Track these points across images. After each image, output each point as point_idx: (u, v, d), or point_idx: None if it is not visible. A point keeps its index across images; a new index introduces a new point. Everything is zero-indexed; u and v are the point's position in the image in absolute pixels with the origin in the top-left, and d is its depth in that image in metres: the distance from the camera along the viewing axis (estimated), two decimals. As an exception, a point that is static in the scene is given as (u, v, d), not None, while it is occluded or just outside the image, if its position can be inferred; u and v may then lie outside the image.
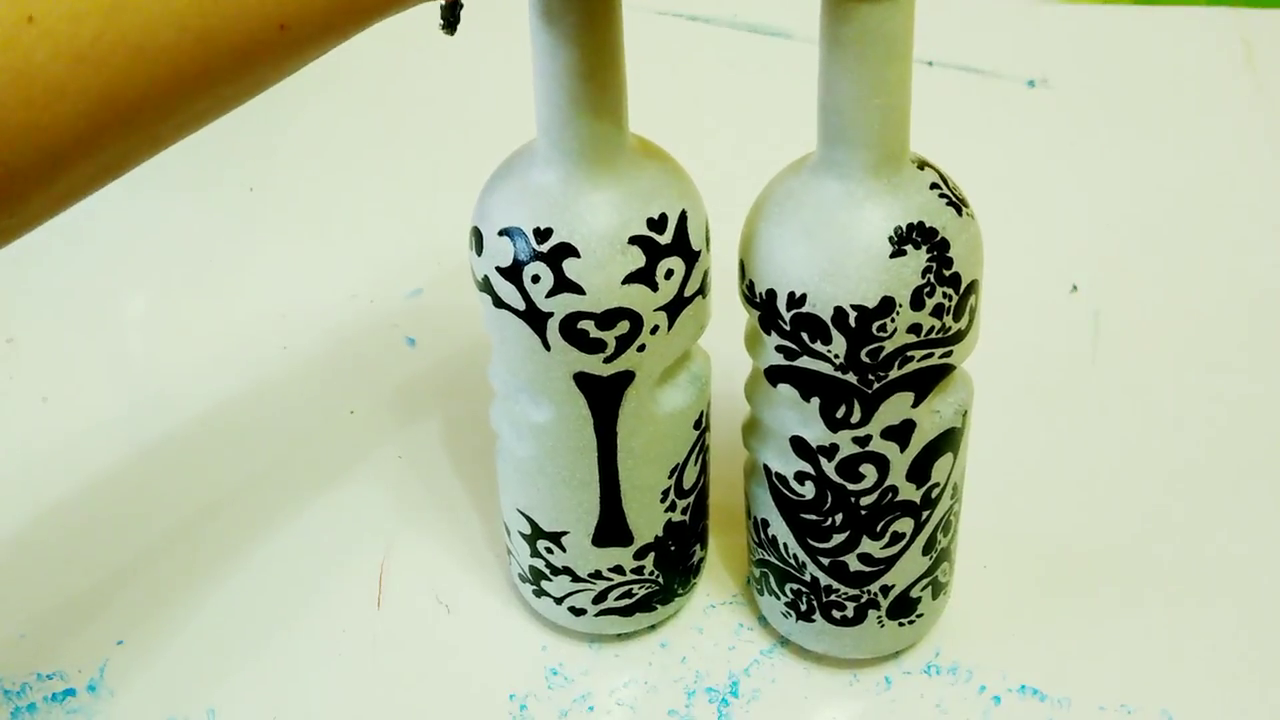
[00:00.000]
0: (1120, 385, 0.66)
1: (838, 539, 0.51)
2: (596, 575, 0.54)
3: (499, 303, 0.48)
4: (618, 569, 0.54)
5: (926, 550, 0.52)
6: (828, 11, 0.42)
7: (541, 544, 0.54)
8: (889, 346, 0.46)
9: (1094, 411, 0.65)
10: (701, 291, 0.49)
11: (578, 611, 0.55)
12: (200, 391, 0.67)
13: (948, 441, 0.49)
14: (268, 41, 0.36)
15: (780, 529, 0.52)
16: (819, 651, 0.55)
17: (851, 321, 0.45)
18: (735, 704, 0.55)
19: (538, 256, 0.46)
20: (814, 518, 0.50)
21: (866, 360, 0.46)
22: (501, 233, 0.47)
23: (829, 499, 0.50)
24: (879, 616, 0.53)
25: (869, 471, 0.49)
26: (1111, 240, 0.74)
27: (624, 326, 0.47)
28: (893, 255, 0.45)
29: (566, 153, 0.46)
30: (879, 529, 0.50)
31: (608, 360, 0.48)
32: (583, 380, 0.48)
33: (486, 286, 0.48)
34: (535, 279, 0.46)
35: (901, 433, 0.48)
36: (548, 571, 0.55)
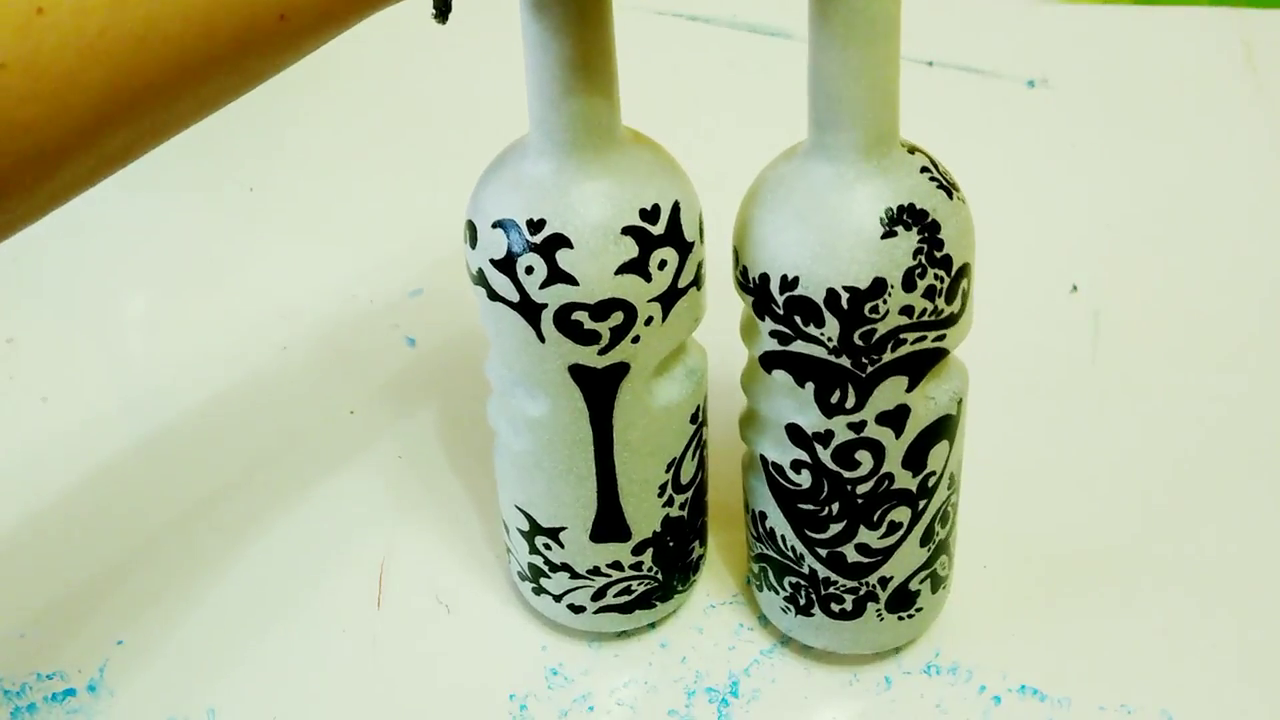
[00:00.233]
0: (1120, 385, 0.66)
1: (835, 529, 0.51)
2: (595, 572, 0.54)
3: (493, 295, 0.48)
4: (616, 565, 0.54)
5: (924, 541, 0.52)
6: None
7: (540, 540, 0.54)
8: (881, 329, 0.46)
9: (1094, 411, 0.65)
10: (696, 283, 0.49)
11: (577, 609, 0.55)
12: (200, 391, 0.68)
13: (943, 429, 0.49)
14: (268, 31, 0.37)
15: (778, 520, 0.52)
16: (819, 647, 0.55)
17: (844, 303, 0.45)
18: (735, 704, 0.55)
19: (531, 248, 0.46)
20: (811, 507, 0.50)
21: (860, 343, 0.46)
22: (495, 225, 0.47)
23: (825, 487, 0.50)
24: (878, 609, 0.53)
25: (865, 458, 0.49)
26: (1111, 240, 0.74)
27: (618, 318, 0.47)
28: (884, 236, 0.45)
29: (559, 144, 0.46)
30: (876, 518, 0.50)
31: (602, 352, 0.48)
32: (578, 372, 0.48)
33: (481, 279, 0.48)
34: (529, 270, 0.46)
35: (896, 418, 0.48)
36: (546, 569, 0.55)
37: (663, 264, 0.47)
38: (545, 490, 0.52)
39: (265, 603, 0.59)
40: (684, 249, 0.48)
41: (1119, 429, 0.64)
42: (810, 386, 0.47)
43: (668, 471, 0.52)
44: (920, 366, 0.47)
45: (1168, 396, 0.66)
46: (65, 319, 0.72)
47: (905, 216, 0.45)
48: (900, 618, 0.54)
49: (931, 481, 0.50)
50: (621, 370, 0.48)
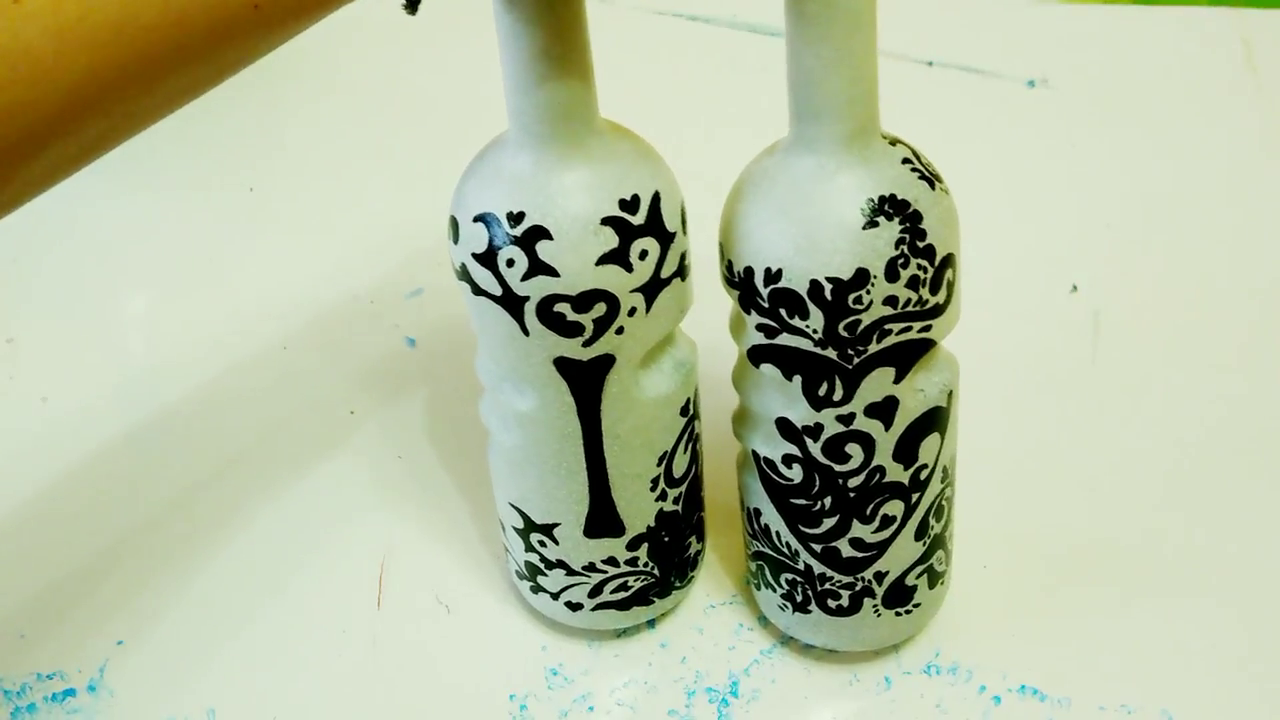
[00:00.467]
0: (1120, 385, 0.66)
1: (828, 523, 0.51)
2: (591, 568, 0.54)
3: (477, 290, 0.48)
4: (611, 560, 0.54)
5: (919, 535, 0.52)
6: None
7: (534, 537, 0.54)
8: (866, 319, 0.46)
9: (1094, 411, 0.65)
10: (680, 274, 0.49)
11: (574, 606, 0.55)
12: (200, 391, 0.68)
13: (934, 421, 0.49)
14: (241, 21, 0.37)
15: (772, 517, 0.52)
16: (818, 644, 0.55)
17: (827, 294, 0.45)
18: (735, 704, 0.55)
19: (511, 240, 0.46)
20: (803, 502, 0.51)
21: (845, 334, 0.46)
22: (476, 219, 0.47)
23: (817, 481, 0.50)
24: (875, 605, 0.53)
25: (855, 451, 0.49)
26: (1111, 240, 0.74)
27: (601, 309, 0.47)
28: (865, 227, 0.45)
29: (537, 136, 0.46)
30: (869, 512, 0.50)
31: (586, 344, 0.48)
32: (563, 365, 0.48)
33: (464, 274, 0.48)
34: (510, 263, 0.47)
35: (885, 410, 0.48)
36: (542, 566, 0.55)
37: (644, 254, 0.47)
38: (537, 486, 0.52)
39: (265, 603, 0.59)
40: (665, 239, 0.48)
41: (1119, 429, 0.64)
42: (798, 379, 0.48)
43: (659, 465, 0.52)
44: (907, 358, 0.47)
45: (1168, 396, 0.66)
46: (65, 319, 0.72)
47: (887, 207, 0.45)
48: (898, 613, 0.54)
49: (924, 474, 0.50)
50: (607, 362, 0.49)
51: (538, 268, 0.46)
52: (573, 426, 0.50)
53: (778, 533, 0.52)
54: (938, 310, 0.47)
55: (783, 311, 0.46)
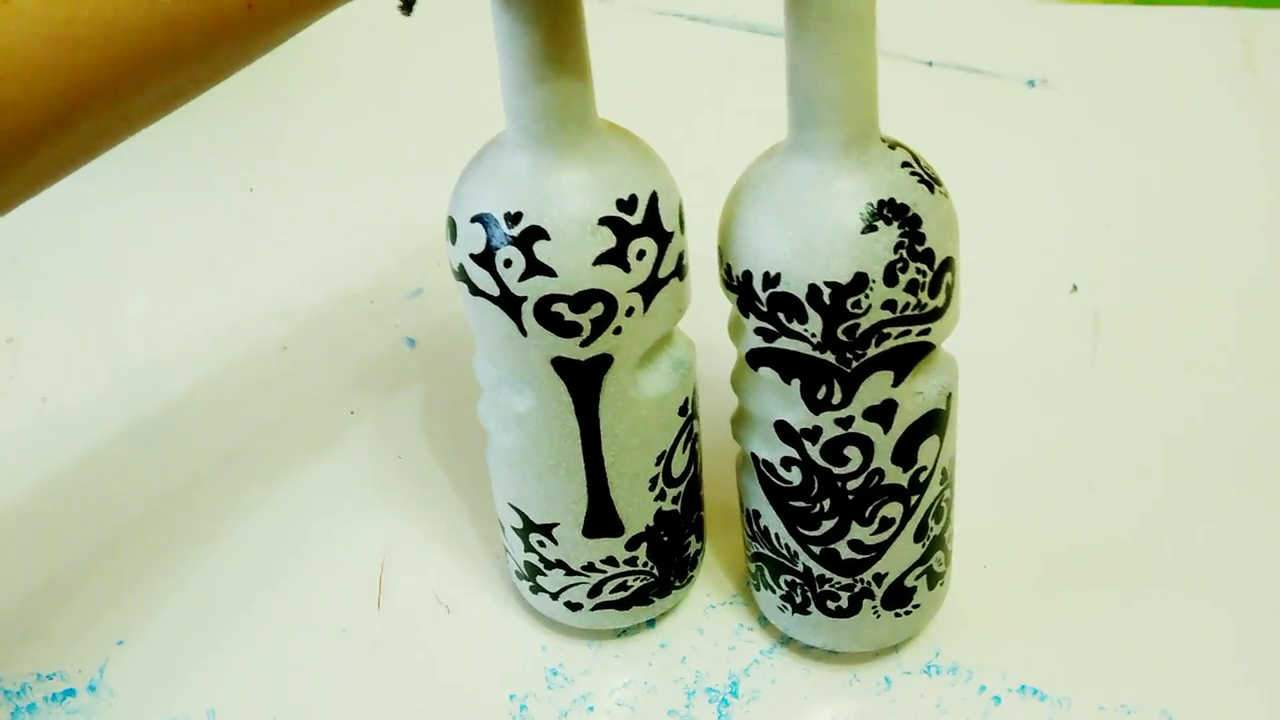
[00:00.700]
0: (1120, 385, 0.66)
1: (827, 525, 0.51)
2: (590, 568, 0.54)
3: (475, 290, 0.48)
4: (610, 560, 0.54)
5: (918, 537, 0.52)
6: None
7: (534, 537, 0.54)
8: (864, 323, 0.46)
9: (1094, 411, 0.65)
10: (678, 273, 0.49)
11: (574, 606, 0.55)
12: (200, 392, 0.68)
13: (933, 423, 0.49)
14: (235, 21, 0.37)
15: (771, 519, 0.52)
16: (817, 645, 0.55)
17: (826, 299, 0.45)
18: (735, 704, 0.55)
19: (509, 241, 0.46)
20: (802, 504, 0.51)
21: (843, 338, 0.46)
22: (474, 219, 0.47)
23: (815, 484, 0.50)
24: (874, 606, 0.53)
25: (853, 454, 0.49)
26: (1111, 240, 0.74)
27: (598, 309, 0.47)
28: (864, 231, 0.45)
29: (534, 137, 0.46)
30: (868, 514, 0.50)
31: (584, 344, 0.48)
32: (561, 365, 0.48)
33: (462, 275, 0.48)
34: (508, 263, 0.47)
35: (884, 413, 0.48)
36: (542, 566, 0.55)
37: (641, 254, 0.47)
38: (536, 486, 0.52)
39: (265, 603, 0.59)
40: (663, 239, 0.48)
41: (1119, 429, 0.64)
42: (796, 383, 0.47)
43: (658, 464, 0.52)
44: (906, 361, 0.47)
45: (1168, 396, 0.66)
46: (65, 319, 0.72)
47: (886, 211, 0.45)
48: (897, 614, 0.54)
49: (923, 477, 0.50)
50: (605, 362, 0.49)
51: (535, 268, 0.46)
52: (571, 426, 0.50)
53: (777, 534, 0.52)
54: (937, 314, 0.47)
55: (781, 315, 0.46)
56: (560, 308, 0.47)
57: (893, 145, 0.47)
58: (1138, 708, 0.54)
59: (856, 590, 0.53)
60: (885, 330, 0.46)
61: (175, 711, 0.55)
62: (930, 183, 0.47)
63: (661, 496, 0.53)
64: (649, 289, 0.48)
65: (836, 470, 0.49)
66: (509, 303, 0.47)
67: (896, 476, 0.50)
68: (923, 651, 0.56)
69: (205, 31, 0.37)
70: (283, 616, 0.59)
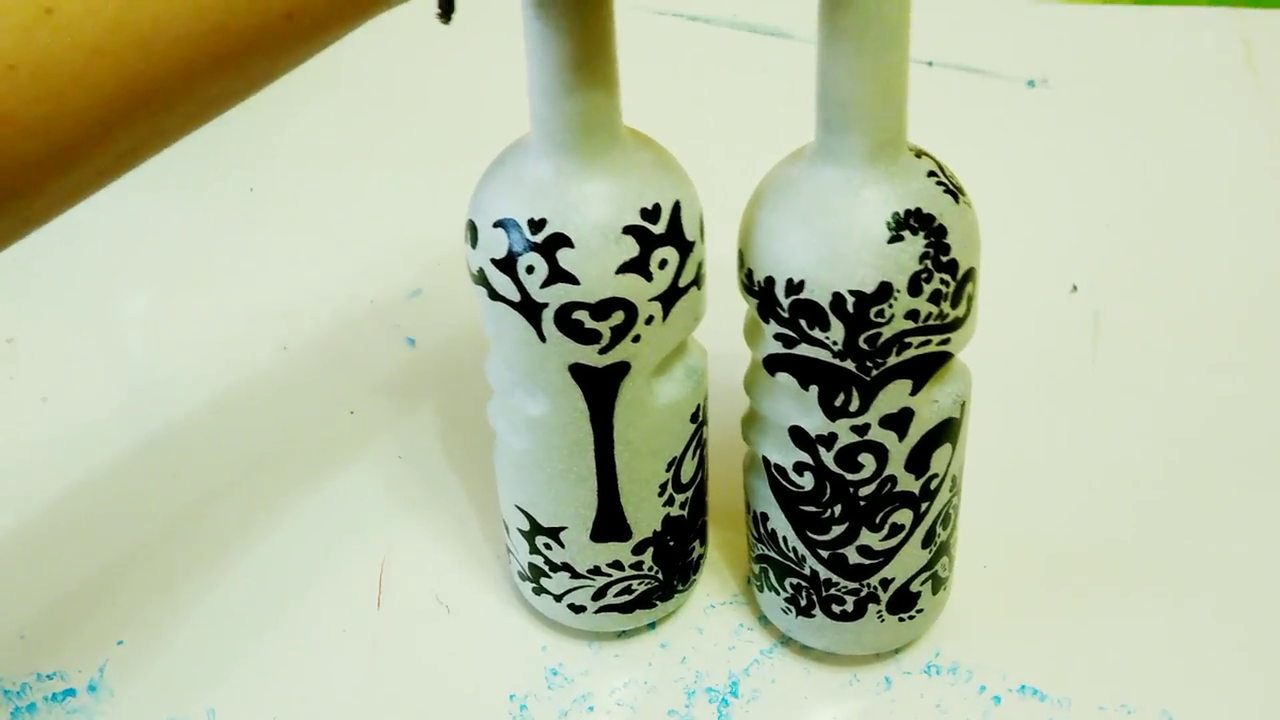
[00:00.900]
0: (1120, 385, 0.66)
1: (837, 531, 0.51)
2: (595, 571, 0.54)
3: (494, 295, 0.48)
4: (616, 564, 0.54)
5: (926, 543, 0.52)
6: None
7: (540, 540, 0.54)
8: (887, 333, 0.46)
9: (1094, 411, 0.65)
10: (696, 283, 0.49)
11: (577, 609, 0.55)
12: (200, 391, 0.68)
13: (946, 432, 0.49)
14: (275, 31, 0.37)
15: (779, 522, 0.52)
16: (819, 648, 0.55)
17: (849, 307, 0.45)
18: (735, 704, 0.55)
19: (532, 247, 0.46)
20: (813, 509, 0.50)
21: (864, 347, 0.46)
22: (496, 224, 0.47)
23: (828, 490, 0.50)
24: (879, 611, 0.53)
25: (868, 461, 0.49)
26: (1111, 240, 0.74)
27: (619, 317, 0.47)
28: (890, 241, 0.45)
29: (560, 144, 0.46)
30: (878, 520, 0.50)
31: (603, 351, 0.48)
32: (578, 372, 0.48)
33: (482, 279, 0.48)
34: (530, 270, 0.46)
35: (900, 421, 0.48)
36: (546, 568, 0.55)
37: (663, 263, 0.47)
38: (546, 490, 0.52)
39: (265, 603, 0.59)
40: (685, 248, 0.48)
41: (1119, 429, 0.64)
42: (814, 389, 0.47)
43: (668, 471, 0.52)
44: (925, 370, 0.47)
45: (1168, 396, 0.66)
46: (65, 319, 0.72)
47: (912, 221, 0.45)
48: (901, 619, 0.54)
49: (934, 484, 0.50)
50: (622, 369, 0.48)
51: (558, 275, 0.46)
52: (585, 432, 0.50)
53: (785, 538, 0.52)
54: (957, 324, 0.47)
55: (803, 322, 0.46)
56: (581, 315, 0.47)
57: (919, 154, 0.47)
58: (1138, 708, 0.54)
59: (862, 595, 0.53)
60: (907, 340, 0.46)
61: (175, 711, 0.55)
62: (955, 192, 0.46)
63: (670, 502, 0.53)
64: (669, 298, 0.48)
65: (850, 476, 0.49)
66: (529, 309, 0.47)
67: (908, 484, 0.50)
68: (923, 652, 0.56)
69: (245, 42, 0.37)
70: (283, 616, 0.59)
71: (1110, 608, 0.58)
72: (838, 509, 0.50)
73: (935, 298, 0.46)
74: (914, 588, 0.53)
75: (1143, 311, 0.70)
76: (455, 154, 0.81)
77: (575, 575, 0.54)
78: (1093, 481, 0.62)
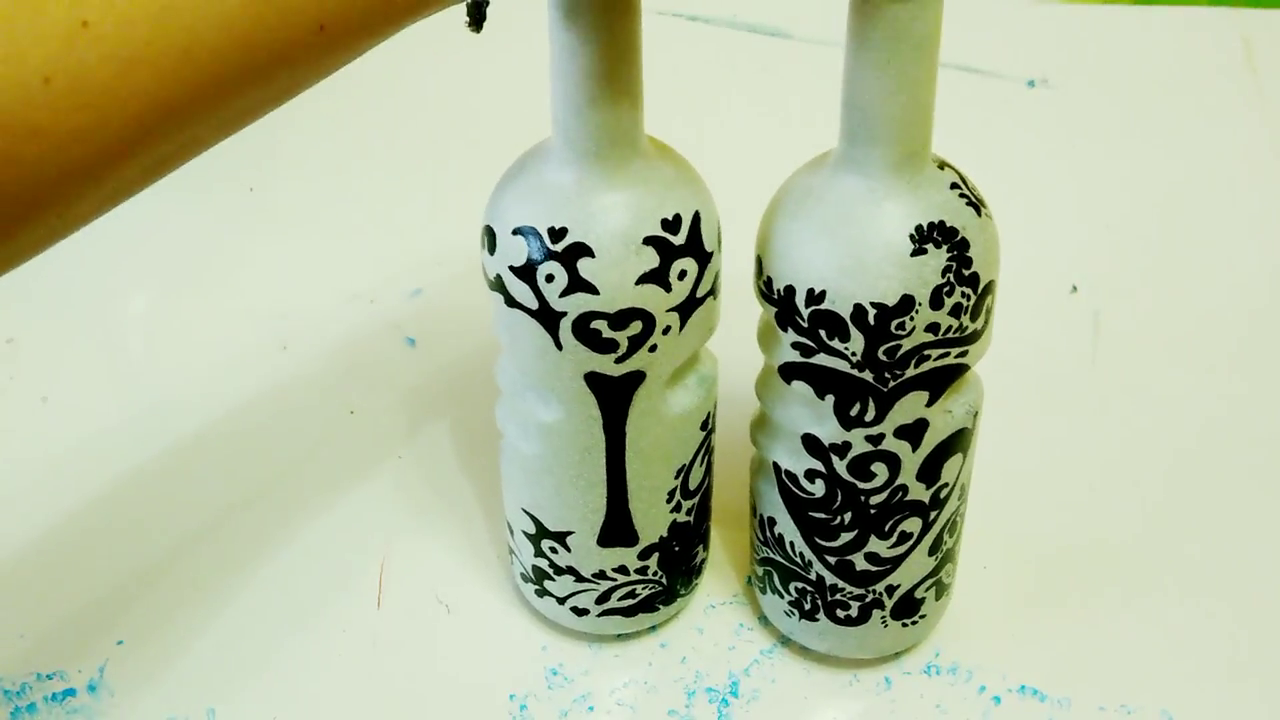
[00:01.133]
0: (1120, 385, 0.66)
1: (845, 538, 0.51)
2: (600, 575, 0.54)
3: (511, 302, 0.47)
4: (622, 569, 0.54)
5: (933, 551, 0.52)
6: (856, 10, 0.43)
7: (546, 544, 0.54)
8: (906, 345, 0.45)
9: (1094, 411, 0.65)
10: (713, 293, 0.49)
11: (580, 612, 0.55)
12: (200, 392, 0.67)
13: (958, 442, 0.49)
14: (306, 43, 0.37)
15: (787, 527, 0.52)
16: (821, 651, 0.55)
17: (870, 319, 0.45)
18: (735, 704, 0.55)
19: (552, 256, 0.46)
20: (822, 516, 0.50)
21: (883, 358, 0.46)
22: (515, 232, 0.47)
23: (839, 497, 0.50)
24: (883, 616, 0.53)
25: (880, 470, 0.49)
26: (1111, 240, 0.74)
27: (637, 327, 0.47)
28: (913, 254, 0.45)
29: (582, 152, 0.46)
30: (887, 528, 0.50)
31: (619, 360, 0.48)
32: (594, 380, 0.48)
33: (499, 285, 0.48)
34: (549, 278, 0.46)
35: (914, 432, 0.48)
36: (551, 571, 0.55)
37: (683, 274, 0.47)
38: (554, 494, 0.52)
39: (265, 602, 0.59)
40: (703, 259, 0.47)
41: (1119, 429, 0.64)
42: (830, 399, 0.47)
43: (677, 478, 0.52)
44: (942, 382, 0.47)
45: (1168, 397, 0.66)
46: (65, 319, 0.72)
47: (935, 234, 0.45)
48: (904, 624, 0.54)
49: (944, 493, 0.50)
50: (637, 379, 0.48)
51: (577, 284, 0.46)
52: (597, 439, 0.50)
53: (791, 543, 0.52)
54: (975, 336, 0.47)
55: (822, 332, 0.46)
56: (599, 325, 0.47)
57: (942, 165, 0.46)
58: (1138, 708, 0.54)
59: (868, 600, 0.53)
60: (926, 352, 0.46)
61: (175, 711, 0.55)
62: (977, 205, 0.46)
63: (677, 509, 0.53)
64: (686, 308, 0.48)
65: (861, 485, 0.49)
66: (547, 317, 0.47)
67: (919, 493, 0.50)
68: (923, 652, 0.56)
69: (277, 53, 0.37)
70: (283, 616, 0.59)
71: (1110, 608, 0.58)
72: (848, 516, 0.50)
73: (956, 311, 0.45)
74: (919, 594, 0.53)
75: (1143, 312, 0.70)
76: (456, 154, 0.81)
77: (580, 579, 0.54)
78: (1093, 482, 0.62)
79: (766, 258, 0.47)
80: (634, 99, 0.45)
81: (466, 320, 0.65)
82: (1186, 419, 0.65)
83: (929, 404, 0.47)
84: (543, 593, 0.56)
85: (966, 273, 0.45)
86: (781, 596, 0.54)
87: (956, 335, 0.46)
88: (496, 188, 0.48)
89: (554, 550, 0.54)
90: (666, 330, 0.48)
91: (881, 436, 0.48)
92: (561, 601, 0.55)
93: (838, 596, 0.53)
